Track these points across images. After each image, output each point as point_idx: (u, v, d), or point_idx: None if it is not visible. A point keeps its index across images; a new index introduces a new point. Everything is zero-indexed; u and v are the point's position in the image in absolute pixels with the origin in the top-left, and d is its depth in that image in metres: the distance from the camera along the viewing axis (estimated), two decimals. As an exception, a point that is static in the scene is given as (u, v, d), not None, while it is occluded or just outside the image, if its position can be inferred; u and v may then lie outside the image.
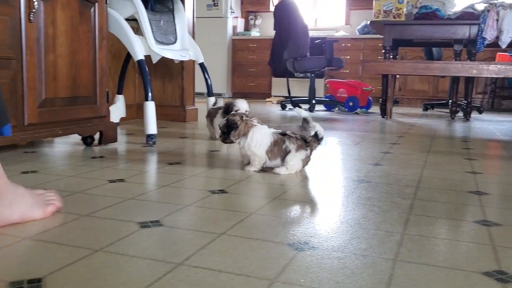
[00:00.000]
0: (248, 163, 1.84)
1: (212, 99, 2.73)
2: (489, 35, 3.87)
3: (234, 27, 7.69)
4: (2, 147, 2.20)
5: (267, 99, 6.91)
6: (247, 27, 7.99)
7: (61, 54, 2.07)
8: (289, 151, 1.76)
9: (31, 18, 1.91)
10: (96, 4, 2.25)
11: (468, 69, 3.78)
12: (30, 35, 1.92)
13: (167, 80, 3.57)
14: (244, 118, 1.81)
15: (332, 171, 1.86)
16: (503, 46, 3.95)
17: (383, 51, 4.37)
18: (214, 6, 7.30)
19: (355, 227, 1.16)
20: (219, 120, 2.33)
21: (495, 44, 4.07)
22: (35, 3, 1.91)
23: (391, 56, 4.75)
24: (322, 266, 0.91)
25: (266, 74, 7.34)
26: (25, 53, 1.90)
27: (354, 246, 1.02)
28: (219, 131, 1.89)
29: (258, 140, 1.77)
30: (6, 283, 0.82)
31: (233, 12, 7.50)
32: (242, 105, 2.38)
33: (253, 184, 1.61)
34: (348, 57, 6.91)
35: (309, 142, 1.80)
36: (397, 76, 5.35)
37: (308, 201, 1.40)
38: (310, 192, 1.51)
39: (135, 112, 3.65)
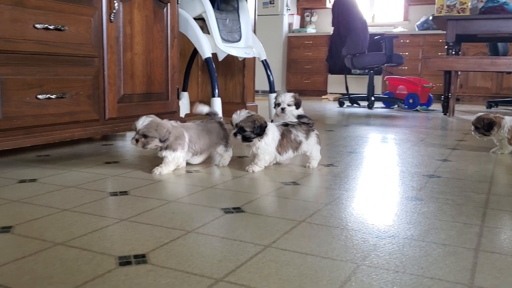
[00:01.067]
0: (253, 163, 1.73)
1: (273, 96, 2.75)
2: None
3: (290, 24, 7.72)
4: (81, 140, 2.36)
5: (323, 96, 6.90)
6: (303, 24, 8.00)
7: (138, 52, 2.20)
8: (301, 142, 1.73)
9: (111, 18, 2.04)
10: (169, 4, 2.37)
11: (538, 64, 3.62)
12: (110, 34, 2.05)
13: (229, 78, 3.67)
14: (258, 117, 1.69)
15: (401, 166, 1.87)
16: None
17: (446, 47, 4.27)
18: (270, 3, 7.36)
19: (431, 218, 1.18)
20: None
21: None
22: (115, 4, 2.04)
23: (454, 52, 4.63)
24: (404, 253, 0.95)
25: (321, 71, 7.32)
26: (106, 51, 2.04)
27: (434, 236, 1.05)
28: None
29: (272, 136, 1.70)
30: (116, 257, 0.91)
31: (289, 9, 7.53)
32: (285, 98, 2.38)
33: (321, 177, 1.66)
34: (406, 53, 6.78)
35: (310, 122, 1.78)
36: (459, 72, 5.20)
37: (381, 194, 1.43)
38: (381, 186, 1.54)
39: (198, 108, 3.77)
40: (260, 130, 1.66)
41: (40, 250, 0.94)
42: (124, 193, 1.39)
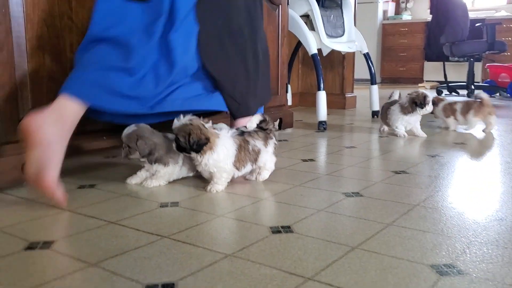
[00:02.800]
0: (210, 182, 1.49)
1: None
2: None
3: (385, 12, 7.65)
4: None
5: (420, 84, 6.80)
6: (398, 11, 7.88)
7: (254, 52, 2.45)
8: (259, 151, 1.52)
9: (233, 23, 2.31)
10: (280, 6, 2.59)
11: None
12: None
13: (328, 69, 3.84)
14: (203, 128, 1.42)
15: (506, 157, 1.95)
16: None
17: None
18: (365, -9, 7.35)
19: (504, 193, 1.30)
20: (392, 114, 2.47)
21: None
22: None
23: None
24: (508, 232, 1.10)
25: (417, 58, 7.20)
26: (228, 53, 2.31)
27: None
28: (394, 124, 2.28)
29: (225, 152, 1.44)
30: (267, 226, 1.16)
31: (384, -4, 7.46)
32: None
33: (428, 166, 1.80)
34: (510, 38, 6.46)
35: (268, 127, 1.55)
36: None
37: (488, 182, 1.55)
38: (488, 175, 1.65)
39: (298, 100, 3.99)
40: (197, 146, 1.40)
41: (208, 220, 1.21)
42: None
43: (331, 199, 1.39)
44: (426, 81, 7.00)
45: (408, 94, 2.45)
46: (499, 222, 1.17)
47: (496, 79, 5.04)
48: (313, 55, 2.77)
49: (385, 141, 2.37)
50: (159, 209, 1.31)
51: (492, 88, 4.98)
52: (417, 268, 0.93)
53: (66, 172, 1.70)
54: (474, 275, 0.89)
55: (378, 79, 7.65)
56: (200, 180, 1.60)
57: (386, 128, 2.62)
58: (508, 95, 4.80)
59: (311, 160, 1.93)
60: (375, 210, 1.28)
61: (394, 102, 2.52)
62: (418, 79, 7.23)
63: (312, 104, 3.69)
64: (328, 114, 3.49)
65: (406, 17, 7.58)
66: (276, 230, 1.13)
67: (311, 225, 1.17)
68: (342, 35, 2.99)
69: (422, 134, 2.47)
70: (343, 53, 3.29)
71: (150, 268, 0.94)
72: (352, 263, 0.95)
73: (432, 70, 6.97)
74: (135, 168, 1.60)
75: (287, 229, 1.15)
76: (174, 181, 1.59)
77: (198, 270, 0.93)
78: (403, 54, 7.39)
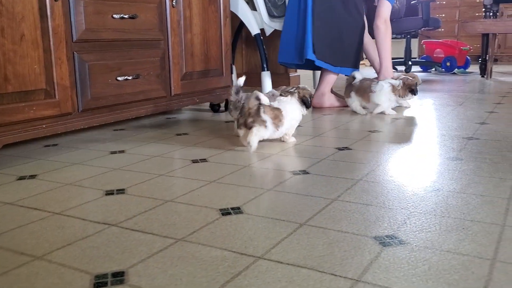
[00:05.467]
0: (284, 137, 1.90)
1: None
2: None
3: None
4: (147, 115, 2.63)
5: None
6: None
7: (196, 33, 2.42)
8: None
9: (173, 3, 2.26)
10: (221, -14, 2.56)
11: None
12: (173, 18, 2.28)
13: (272, 50, 3.85)
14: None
15: (442, 130, 2.06)
16: None
17: (484, 9, 4.30)
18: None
19: (471, 175, 1.38)
20: (381, 92, 2.49)
21: None
22: (176, -9, 2.26)
23: (491, 14, 4.63)
24: (448, 203, 1.16)
25: (357, 36, 7.36)
26: (170, 34, 2.27)
27: (473, 189, 1.26)
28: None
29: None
30: (217, 209, 1.17)
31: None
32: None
33: (369, 142, 1.87)
34: (443, 15, 6.74)
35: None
36: (497, 34, 5.19)
37: (425, 155, 1.63)
38: (425, 148, 1.74)
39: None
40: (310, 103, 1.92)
41: (156, 206, 1.21)
42: (204, 160, 1.64)
43: (280, 178, 1.41)
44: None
45: (402, 79, 2.50)
46: (436, 193, 1.24)
47: (432, 54, 5.27)
48: (256, 35, 2.76)
49: (329, 119, 2.42)
50: (105, 197, 1.28)
51: (427, 64, 5.19)
52: (362, 241, 0.97)
53: (3, 163, 1.63)
54: (414, 244, 0.95)
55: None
56: (148, 166, 1.58)
57: (357, 103, 2.58)
58: (443, 69, 5.04)
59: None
60: (321, 186, 1.32)
61: (368, 80, 2.56)
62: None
63: (257, 84, 3.71)
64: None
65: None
66: (226, 212, 1.14)
67: (260, 205, 1.19)
68: (284, 15, 3.00)
69: (393, 112, 2.56)
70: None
71: (99, 258, 0.92)
72: (301, 239, 0.98)
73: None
74: (79, 156, 1.55)
75: (237, 210, 1.16)
76: (120, 168, 1.56)
77: (148, 256, 0.92)
78: (344, 32, 7.53)
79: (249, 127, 1.74)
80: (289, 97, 1.86)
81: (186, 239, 0.99)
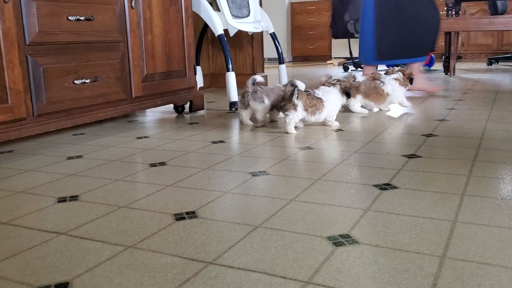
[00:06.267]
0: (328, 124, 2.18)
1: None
2: (558, -15, 3.80)
3: (292, -9, 7.78)
4: (108, 119, 2.58)
5: (328, 62, 7.03)
6: (305, -10, 8.04)
7: (157, 34, 2.39)
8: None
9: (132, 4, 2.22)
10: (182, -13, 2.53)
11: (535, 22, 3.75)
12: (132, 20, 2.23)
13: (238, 50, 3.84)
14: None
15: (403, 128, 2.08)
16: None
17: (446, 8, 4.38)
18: (272, -29, 7.40)
19: (428, 172, 1.40)
20: (396, 89, 2.54)
21: None
22: (135, -8, 2.22)
23: (454, 12, 4.73)
24: (403, 200, 1.17)
25: (325, 36, 7.43)
26: (129, 35, 2.23)
27: (429, 186, 1.27)
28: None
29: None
30: (172, 214, 1.14)
31: (290, -25, 7.57)
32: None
33: (331, 140, 1.87)
34: (408, 14, 6.85)
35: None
36: (460, 31, 5.31)
37: (385, 153, 1.64)
38: (385, 146, 1.75)
39: (211, 81, 3.96)
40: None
41: (109, 212, 1.17)
42: (163, 163, 1.61)
43: (238, 180, 1.39)
44: (334, 58, 7.25)
45: (400, 70, 2.57)
46: (392, 191, 1.25)
47: (397, 53, 5.34)
48: (219, 36, 2.74)
49: (293, 119, 2.42)
50: (57, 204, 1.24)
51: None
52: (315, 241, 0.96)
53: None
54: (367, 243, 0.94)
55: (289, 57, 7.81)
56: (105, 171, 1.54)
57: (358, 104, 2.55)
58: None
59: (221, 141, 1.92)
60: (280, 187, 1.31)
61: (368, 82, 2.56)
62: (327, 57, 7.47)
63: (224, 85, 3.69)
64: (240, 95, 3.51)
65: (313, -5, 7.76)
66: (180, 217, 1.12)
67: (216, 208, 1.17)
68: (248, 15, 2.99)
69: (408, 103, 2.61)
70: (250, 33, 3.30)
71: (43, 268, 0.88)
72: (254, 243, 0.97)
73: (340, 47, 7.23)
74: (34, 162, 1.50)
75: (192, 214, 1.13)
76: (76, 173, 1.52)
77: (95, 265, 0.89)
78: (312, 33, 7.58)
79: (283, 110, 2.02)
80: (331, 87, 2.12)
81: (137, 246, 0.97)
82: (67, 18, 1.91)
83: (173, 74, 2.51)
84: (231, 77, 2.73)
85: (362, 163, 1.53)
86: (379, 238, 0.96)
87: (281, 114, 2.20)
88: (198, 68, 3.35)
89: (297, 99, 1.97)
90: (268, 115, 2.29)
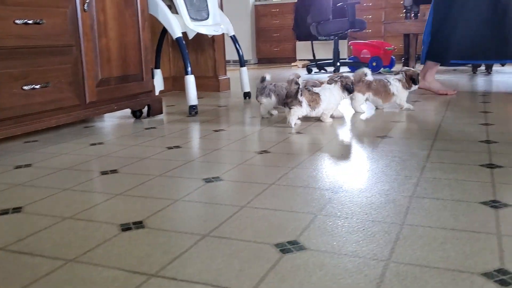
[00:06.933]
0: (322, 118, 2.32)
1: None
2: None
3: (256, -7, 7.79)
4: (63, 125, 2.50)
5: (293, 64, 7.07)
6: (269, -8, 8.06)
7: (112, 38, 2.33)
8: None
9: (85, 8, 2.16)
10: (137, -11, 2.48)
11: (489, 24, 3.86)
12: (85, 23, 2.17)
13: (200, 53, 3.80)
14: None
15: (358, 130, 2.09)
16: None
17: (404, 10, 4.47)
18: (235, -27, 7.39)
19: (379, 174, 1.41)
20: (399, 91, 2.58)
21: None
22: (87, -6, 2.16)
23: (413, 14, 4.83)
24: (354, 203, 1.17)
25: (290, 38, 7.47)
26: (82, 39, 2.17)
27: (379, 188, 1.27)
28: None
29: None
30: (117, 225, 1.10)
31: (254, -22, 7.58)
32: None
33: (289, 145, 1.87)
34: (370, 16, 6.96)
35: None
36: (418, 33, 5.42)
37: (339, 155, 1.65)
38: (340, 148, 1.76)
39: (172, 85, 3.91)
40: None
41: (53, 224, 1.13)
42: (114, 171, 1.57)
43: (191, 187, 1.37)
44: (299, 60, 7.30)
45: (403, 71, 2.59)
46: (344, 194, 1.25)
47: (359, 55, 5.42)
48: (178, 39, 2.71)
49: (253, 122, 2.41)
50: (-2, 217, 1.18)
51: (355, 64, 5.34)
52: (263, 249, 0.94)
53: None
54: (314, 249, 0.94)
55: (254, 59, 7.81)
56: (53, 180, 1.48)
57: (359, 103, 2.59)
58: (370, 69, 5.19)
59: (177, 147, 1.89)
60: (233, 193, 1.29)
61: (377, 80, 2.60)
62: (291, 59, 7.52)
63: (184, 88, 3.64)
64: (201, 98, 3.48)
65: (276, -2, 7.80)
66: (126, 228, 1.09)
67: (165, 217, 1.14)
68: (207, 18, 2.96)
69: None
70: (209, 36, 3.27)
71: (-25, 288, 0.84)
72: (201, 252, 0.94)
73: (304, 49, 7.28)
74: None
75: (139, 224, 1.10)
76: (23, 183, 1.46)
77: (31, 282, 0.85)
78: (276, 35, 7.61)
79: (289, 107, 2.17)
80: (332, 84, 2.27)
81: (78, 260, 0.93)
82: (14, 22, 1.84)
83: (130, 78, 2.46)
84: (190, 80, 2.70)
85: (317, 166, 1.53)
86: (327, 243, 0.96)
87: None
88: (158, 71, 3.30)
89: (301, 95, 2.15)
90: (275, 110, 2.52)
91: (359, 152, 1.69)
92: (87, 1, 2.15)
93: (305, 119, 2.37)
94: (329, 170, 1.47)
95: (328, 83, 2.29)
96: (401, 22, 4.20)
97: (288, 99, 2.16)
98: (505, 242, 0.93)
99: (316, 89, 2.23)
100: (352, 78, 2.31)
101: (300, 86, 2.14)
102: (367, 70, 2.61)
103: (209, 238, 1.01)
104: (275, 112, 2.52)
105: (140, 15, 2.51)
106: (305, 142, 1.88)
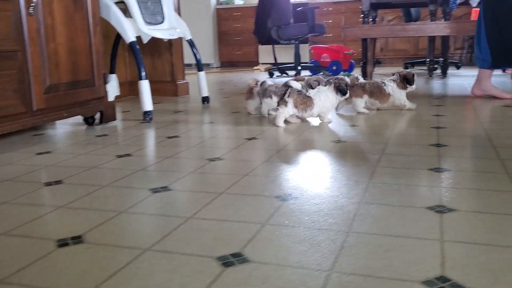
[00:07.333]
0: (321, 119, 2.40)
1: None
2: (461, -6, 4.05)
3: (217, -3, 7.76)
4: (11, 133, 2.40)
5: (255, 67, 7.06)
6: (230, -4, 8.05)
7: (61, 42, 2.25)
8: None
9: (30, 11, 2.07)
10: (88, -8, 2.41)
11: (442, 28, 3.97)
12: (31, 27, 2.09)
13: (157, 57, 3.74)
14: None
15: (313, 135, 2.09)
16: (474, 5, 4.13)
17: (362, 15, 4.54)
18: (196, -23, 7.33)
19: (330, 179, 1.40)
20: (395, 92, 2.63)
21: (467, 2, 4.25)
22: (33, -3, 2.07)
23: (371, 19, 4.91)
24: (302, 211, 1.15)
25: (252, 42, 7.46)
26: (28, 44, 2.08)
27: (328, 194, 1.26)
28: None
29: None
30: (54, 240, 1.05)
31: (215, -19, 7.54)
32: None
33: (244, 151, 1.84)
34: (330, 21, 7.05)
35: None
36: (377, 37, 5.52)
37: (291, 161, 1.63)
38: (292, 154, 1.75)
39: (128, 90, 3.82)
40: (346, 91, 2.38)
41: (-15, 241, 1.06)
42: (59, 182, 1.50)
43: (137, 197, 1.32)
44: (262, 63, 7.31)
45: (398, 72, 2.63)
46: (293, 201, 1.23)
47: (319, 59, 5.47)
48: (131, 43, 2.64)
49: (209, 128, 2.37)
50: None
51: (316, 68, 5.38)
52: (205, 263, 0.91)
53: None
54: (258, 261, 0.91)
55: (216, 63, 7.77)
56: (-11, 193, 1.40)
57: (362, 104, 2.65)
58: (330, 73, 5.24)
59: (128, 155, 1.83)
60: (180, 204, 1.25)
61: (372, 82, 2.66)
62: (254, 62, 7.51)
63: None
64: (158, 103, 3.41)
65: (238, 1, 7.78)
66: (63, 243, 1.03)
67: (106, 231, 1.09)
68: (162, 22, 2.91)
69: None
70: (165, 40, 3.22)
71: None
72: (140, 268, 0.90)
73: (267, 53, 7.29)
74: None
75: (77, 239, 1.05)
76: (60, 161, 1.37)
77: (-49, 308, 0.79)
78: (238, 38, 7.60)
79: (276, 107, 2.29)
80: (326, 86, 2.33)
81: (7, 281, 0.87)
82: (-49, 26, 1.74)
83: (81, 84, 2.38)
84: (145, 85, 2.64)
85: (269, 173, 1.51)
86: (271, 254, 0.93)
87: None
88: (114, 76, 3.21)
89: (288, 97, 2.21)
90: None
91: (312, 157, 1.68)
92: (32, 4, 2.07)
93: (302, 122, 2.35)
94: (280, 177, 1.45)
95: (324, 85, 2.37)
96: (359, 27, 4.25)
97: (278, 101, 2.28)
98: (447, 248, 0.93)
99: (310, 92, 2.29)
100: (347, 80, 2.37)
101: (292, 88, 2.23)
102: (356, 74, 2.67)
103: (150, 252, 0.97)
104: (273, 112, 2.53)
105: (91, 19, 2.43)
106: (259, 148, 1.86)
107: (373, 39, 4.43)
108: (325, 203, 1.20)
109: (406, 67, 5.84)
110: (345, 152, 1.74)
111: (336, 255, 0.92)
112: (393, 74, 2.66)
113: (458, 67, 5.68)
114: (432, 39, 4.74)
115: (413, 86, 2.62)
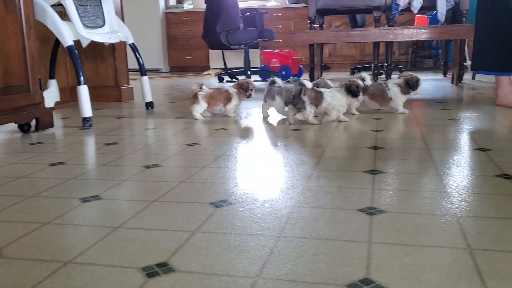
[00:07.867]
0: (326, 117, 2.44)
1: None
2: (402, 1, 4.18)
3: (167, 0, 7.66)
4: None
5: (206, 72, 7.02)
6: (180, 0, 7.97)
7: (-10, 46, 2.13)
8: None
9: (-45, 13, 1.95)
10: (20, -6, 2.30)
11: (385, 34, 4.08)
12: (-44, 30, 1.96)
13: (99, 61, 3.63)
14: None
15: (257, 139, 2.08)
16: (415, 12, 4.28)
17: (309, 21, 4.60)
18: (144, -20, 7.22)
19: (266, 184, 1.39)
20: (395, 95, 2.66)
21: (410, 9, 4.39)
22: (-42, -2, 1.96)
23: (318, 25, 4.99)
24: (235, 217, 1.13)
25: (202, 47, 7.42)
26: (-47, 47, 1.95)
27: (263, 199, 1.25)
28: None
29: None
30: (-31, 255, 0.98)
31: (164, -14, 7.45)
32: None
33: (183, 157, 1.80)
34: (280, 27, 7.11)
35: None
36: (324, 43, 5.61)
37: (233, 168, 1.61)
38: (236, 160, 1.73)
39: (69, 95, 3.69)
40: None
41: None
42: (-18, 193, 1.41)
43: (65, 207, 1.26)
44: (212, 68, 7.27)
45: (403, 76, 2.64)
46: (227, 207, 1.21)
47: (269, 64, 5.50)
48: (69, 47, 2.55)
49: (150, 134, 2.32)
50: None
51: (265, 73, 5.40)
52: (128, 274, 0.87)
53: None
54: (185, 270, 0.88)
55: (166, 68, 7.67)
56: None
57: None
58: (280, 78, 5.28)
59: (61, 163, 1.76)
60: (109, 213, 1.20)
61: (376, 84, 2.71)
62: (205, 67, 7.47)
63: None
64: (100, 109, 3.31)
65: (187, 6, 7.72)
66: (-24, 259, 0.96)
67: (26, 244, 1.03)
68: (103, 25, 2.82)
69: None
70: (106, 44, 3.13)
71: None
72: (57, 283, 0.85)
73: (218, 58, 7.26)
74: None
75: (-7, 254, 0.98)
76: None
77: None
78: (188, 43, 7.53)
79: (296, 107, 2.39)
80: (339, 87, 2.54)
81: None
82: None
83: (13, 89, 2.27)
84: (83, 91, 2.55)
85: (207, 179, 1.48)
86: (199, 263, 0.90)
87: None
88: (54, 82, 3.09)
89: (304, 95, 2.33)
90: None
91: (253, 162, 1.67)
92: (-43, 5, 1.95)
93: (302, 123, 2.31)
94: (216, 183, 1.43)
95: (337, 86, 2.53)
96: (305, 33, 4.30)
97: (292, 99, 2.39)
98: (374, 249, 0.93)
99: (322, 89, 2.40)
100: (358, 82, 2.46)
101: (306, 86, 2.34)
102: (365, 75, 2.68)
103: (70, 265, 0.92)
104: (299, 117, 2.56)
105: (25, 22, 2.32)
106: (200, 154, 1.83)
107: (320, 45, 4.50)
108: (260, 208, 1.19)
109: (352, 73, 5.98)
110: (285, 155, 1.73)
111: (264, 261, 0.90)
112: (399, 77, 2.69)
113: (401, 72, 5.86)
114: (376, 44, 4.87)
115: (417, 91, 2.64)
